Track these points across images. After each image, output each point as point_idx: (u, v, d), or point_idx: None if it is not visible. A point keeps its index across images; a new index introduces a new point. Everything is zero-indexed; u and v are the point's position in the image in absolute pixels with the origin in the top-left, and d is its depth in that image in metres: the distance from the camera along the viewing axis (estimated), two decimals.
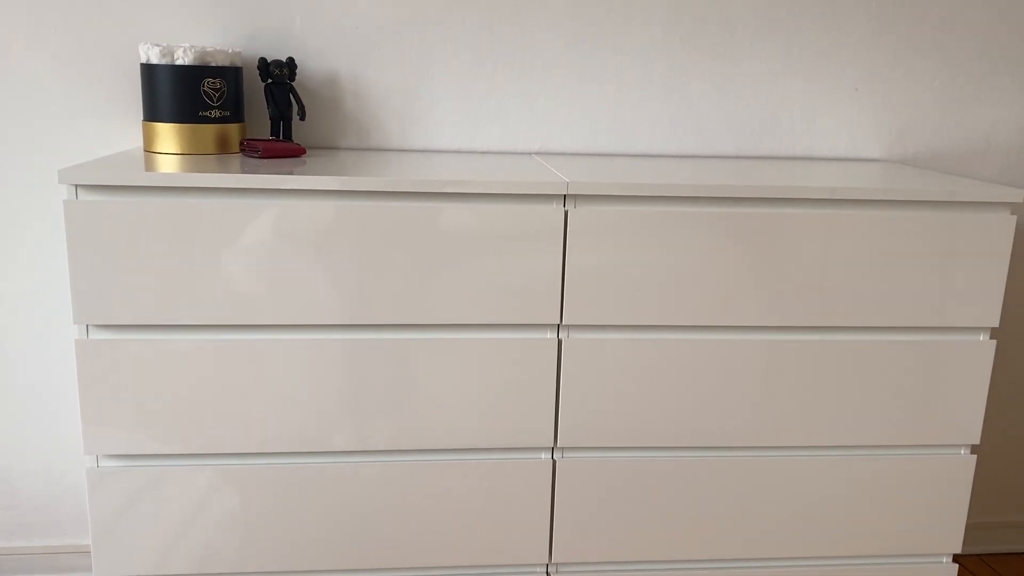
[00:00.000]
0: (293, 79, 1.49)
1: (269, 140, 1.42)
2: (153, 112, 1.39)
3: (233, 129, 1.44)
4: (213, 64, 1.39)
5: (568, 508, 1.39)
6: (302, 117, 1.48)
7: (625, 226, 1.28)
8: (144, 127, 1.41)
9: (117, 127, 1.54)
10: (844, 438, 1.41)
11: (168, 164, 1.28)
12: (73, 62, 1.51)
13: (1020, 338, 1.84)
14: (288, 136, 1.49)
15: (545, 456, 1.37)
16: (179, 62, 1.36)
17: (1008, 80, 1.70)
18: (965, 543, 1.92)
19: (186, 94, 1.37)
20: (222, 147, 1.42)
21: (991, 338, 1.39)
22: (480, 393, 1.32)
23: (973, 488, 1.86)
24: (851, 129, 1.68)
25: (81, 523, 1.72)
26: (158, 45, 1.36)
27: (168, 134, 1.39)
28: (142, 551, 1.33)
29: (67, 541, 1.73)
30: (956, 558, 1.83)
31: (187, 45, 1.38)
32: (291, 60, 1.48)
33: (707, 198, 1.29)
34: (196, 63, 1.37)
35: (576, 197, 1.27)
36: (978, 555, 1.94)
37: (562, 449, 1.37)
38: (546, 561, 1.41)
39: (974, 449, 1.46)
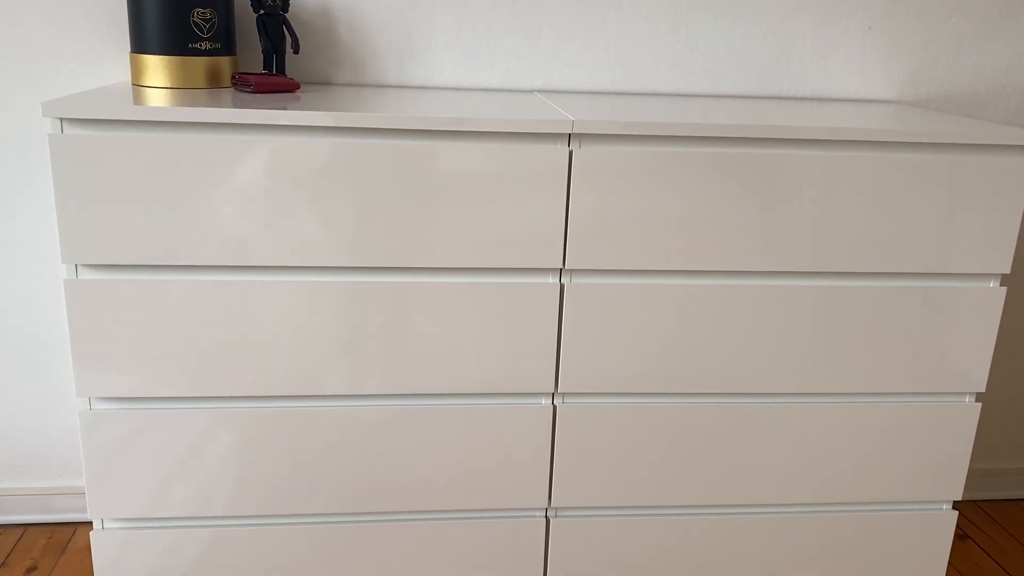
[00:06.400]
0: (286, 10, 1.43)
1: (262, 74, 1.37)
2: (141, 44, 1.34)
3: (224, 62, 1.38)
4: None
5: (568, 453, 1.37)
6: (296, 50, 1.42)
7: (631, 167, 1.24)
8: (132, 59, 1.36)
9: (104, 59, 1.49)
10: (848, 385, 1.39)
11: (157, 98, 1.23)
12: None
13: None
14: (281, 70, 1.44)
15: (546, 402, 1.35)
16: None
17: None
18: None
19: (175, 25, 1.32)
20: (213, 81, 1.37)
21: (1001, 285, 1.37)
22: (480, 338, 1.30)
23: None
24: (863, 69, 1.63)
25: (75, 465, 1.71)
26: None
27: (157, 67, 1.33)
28: (137, 493, 1.31)
29: (61, 483, 1.72)
30: (955, 505, 1.84)
31: None
32: None
33: (715, 138, 1.25)
34: None
35: (581, 136, 1.23)
36: (973, 501, 1.95)
37: (563, 395, 1.35)
38: (545, 506, 1.40)
39: (979, 397, 1.45)
